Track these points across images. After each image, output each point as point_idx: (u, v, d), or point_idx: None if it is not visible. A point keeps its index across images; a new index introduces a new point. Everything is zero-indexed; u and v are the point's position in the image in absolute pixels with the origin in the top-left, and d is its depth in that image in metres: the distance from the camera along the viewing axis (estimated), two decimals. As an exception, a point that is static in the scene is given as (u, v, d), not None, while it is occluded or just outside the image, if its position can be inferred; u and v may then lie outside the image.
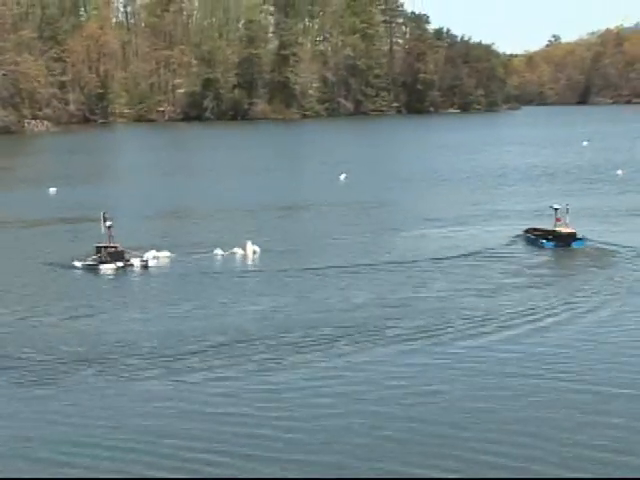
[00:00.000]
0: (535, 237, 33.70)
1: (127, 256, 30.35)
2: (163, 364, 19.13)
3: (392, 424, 15.64)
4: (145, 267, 30.06)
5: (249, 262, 31.09)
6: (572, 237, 32.39)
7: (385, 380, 18.02)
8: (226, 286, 27.16)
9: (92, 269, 29.94)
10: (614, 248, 32.30)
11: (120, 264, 29.86)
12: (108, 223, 30.81)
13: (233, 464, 14.26)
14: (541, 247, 32.72)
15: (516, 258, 31.56)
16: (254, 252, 31.74)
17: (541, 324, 22.26)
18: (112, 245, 30.54)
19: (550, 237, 32.90)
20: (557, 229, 32.88)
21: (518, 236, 34.92)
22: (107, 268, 29.69)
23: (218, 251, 31.66)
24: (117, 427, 15.79)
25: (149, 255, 30.78)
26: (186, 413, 16.33)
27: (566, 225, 32.89)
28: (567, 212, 33.00)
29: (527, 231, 34.81)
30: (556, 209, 33.12)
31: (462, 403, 16.69)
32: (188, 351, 19.99)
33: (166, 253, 31.38)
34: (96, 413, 16.53)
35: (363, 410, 16.36)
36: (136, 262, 30.13)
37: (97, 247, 31.03)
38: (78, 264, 30.26)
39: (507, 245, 33.94)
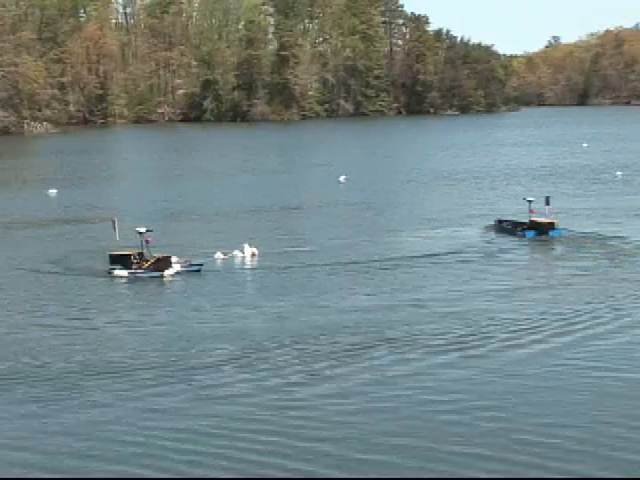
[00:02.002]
0: (513, 227, 35.85)
1: (172, 263, 29.02)
2: (195, 373, 18.92)
3: (422, 430, 15.59)
4: (198, 271, 29.06)
5: (249, 265, 30.94)
6: (551, 226, 34.72)
7: (411, 384, 17.95)
8: (228, 290, 27.09)
9: (135, 278, 28.65)
10: (596, 238, 34.33)
11: (171, 272, 28.66)
12: (142, 229, 29.53)
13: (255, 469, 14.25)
14: (522, 237, 34.82)
15: (507, 251, 32.81)
16: (253, 254, 31.55)
17: (564, 326, 22.20)
18: (137, 252, 29.15)
19: (526, 227, 35.12)
20: (533, 219, 35.17)
21: (490, 227, 37.08)
22: (155, 276, 28.54)
23: (219, 254, 31.45)
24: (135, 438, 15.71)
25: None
26: (216, 423, 16.10)
27: (546, 215, 35.30)
28: (548, 203, 35.33)
29: (499, 222, 37.05)
30: (530, 201, 35.51)
31: (493, 408, 16.60)
32: (223, 360, 19.74)
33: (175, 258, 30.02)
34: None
35: (392, 415, 16.28)
36: (179, 268, 29.05)
37: (112, 255, 29.40)
38: (123, 272, 28.79)
39: (489, 238, 35.38)
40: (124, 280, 28.73)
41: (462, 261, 30.71)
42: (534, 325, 22.08)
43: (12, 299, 26.27)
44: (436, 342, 20.66)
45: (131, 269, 28.92)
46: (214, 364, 19.37)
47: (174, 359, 19.80)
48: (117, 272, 28.92)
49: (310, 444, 15.01)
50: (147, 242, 29.29)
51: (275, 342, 20.83)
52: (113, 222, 30.42)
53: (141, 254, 29.27)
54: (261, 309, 24.34)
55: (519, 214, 37.84)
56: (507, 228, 36.07)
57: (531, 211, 35.47)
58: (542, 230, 34.69)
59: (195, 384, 18.13)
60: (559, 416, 16.10)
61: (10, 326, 23.02)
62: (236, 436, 15.39)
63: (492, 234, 36.04)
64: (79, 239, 37.50)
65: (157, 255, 29.18)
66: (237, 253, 31.39)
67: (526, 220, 35.56)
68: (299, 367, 19.07)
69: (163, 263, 28.88)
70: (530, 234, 34.75)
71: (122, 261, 29.29)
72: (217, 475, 14.10)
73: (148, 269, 28.82)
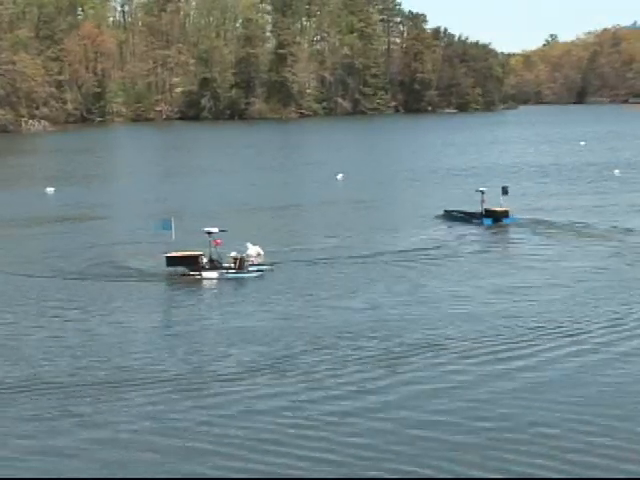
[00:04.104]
0: (467, 217, 38.71)
1: (246, 263, 28.47)
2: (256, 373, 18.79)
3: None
4: (272, 270, 28.78)
5: (259, 264, 30.03)
6: (505, 214, 37.60)
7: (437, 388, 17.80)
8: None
9: (232, 279, 28.02)
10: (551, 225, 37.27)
11: (259, 272, 28.30)
12: (213, 229, 28.65)
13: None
14: (479, 225, 37.53)
15: (481, 241, 35.00)
16: (258, 254, 30.90)
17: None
18: (195, 254, 28.20)
19: (482, 215, 37.88)
20: (488, 208, 37.93)
21: (440, 217, 39.82)
22: (245, 277, 28.01)
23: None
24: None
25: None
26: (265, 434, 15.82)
27: (500, 205, 37.80)
28: (506, 193, 37.85)
29: (448, 212, 39.87)
30: (482, 192, 38.22)
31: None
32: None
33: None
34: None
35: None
36: (259, 267, 28.71)
37: (169, 257, 27.93)
38: (212, 274, 28.02)
39: (449, 228, 37.69)
40: (217, 282, 27.91)
41: (446, 256, 31.52)
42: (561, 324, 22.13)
43: (60, 304, 25.36)
44: (459, 346, 20.46)
45: (203, 270, 28.10)
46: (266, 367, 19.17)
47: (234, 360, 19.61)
48: (206, 274, 28.03)
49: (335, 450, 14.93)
50: (217, 244, 28.43)
51: (302, 347, 20.61)
52: (167, 221, 28.93)
53: (201, 255, 28.33)
54: (290, 312, 24.11)
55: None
56: (460, 217, 38.98)
57: (483, 201, 38.06)
58: (497, 218, 37.58)
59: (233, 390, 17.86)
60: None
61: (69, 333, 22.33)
62: (272, 448, 15.16)
63: (447, 224, 38.60)
64: (90, 238, 37.15)
65: (238, 255, 28.55)
66: (250, 252, 30.40)
67: (475, 209, 38.49)
68: (326, 374, 18.78)
69: (245, 263, 28.46)
70: (487, 222, 37.54)
71: (186, 263, 28.14)
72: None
73: (239, 270, 28.22)
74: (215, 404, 17.06)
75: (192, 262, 28.18)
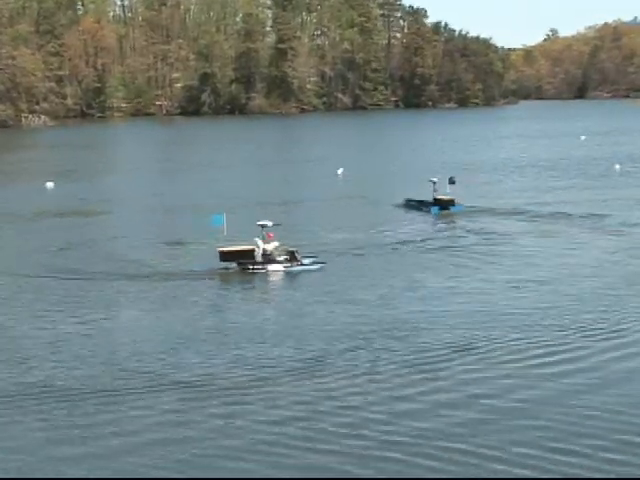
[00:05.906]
0: (418, 205, 41.89)
1: (299, 256, 28.45)
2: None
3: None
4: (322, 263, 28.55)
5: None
6: (451, 203, 40.45)
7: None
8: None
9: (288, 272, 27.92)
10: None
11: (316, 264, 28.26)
12: (268, 223, 28.46)
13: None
14: (428, 212, 40.44)
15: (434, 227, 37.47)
16: (275, 248, 29.45)
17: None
18: (245, 249, 27.93)
19: (429, 203, 40.92)
20: (438, 197, 40.78)
21: (400, 205, 42.96)
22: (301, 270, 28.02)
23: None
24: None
25: None
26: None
27: (446, 194, 40.64)
28: (452, 183, 40.65)
29: (407, 200, 43.06)
30: (434, 182, 41.01)
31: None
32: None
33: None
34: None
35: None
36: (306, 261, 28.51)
37: (223, 252, 27.61)
38: (277, 267, 27.94)
39: (405, 214, 40.69)
40: (282, 275, 27.82)
41: (426, 250, 32.08)
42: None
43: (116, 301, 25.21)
44: (485, 345, 20.31)
45: (256, 265, 27.91)
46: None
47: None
48: (271, 267, 27.81)
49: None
50: (269, 237, 28.29)
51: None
52: (219, 217, 28.55)
53: (252, 250, 28.06)
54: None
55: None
56: (414, 205, 42.19)
57: (435, 191, 40.91)
58: (444, 206, 40.48)
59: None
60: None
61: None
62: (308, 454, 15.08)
63: (407, 210, 41.76)
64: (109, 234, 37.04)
65: (291, 249, 28.45)
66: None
67: (430, 198, 41.21)
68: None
69: (298, 255, 28.37)
70: (435, 210, 40.50)
71: (240, 257, 27.85)
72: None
73: (296, 263, 28.13)
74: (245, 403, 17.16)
75: (247, 256, 27.98)
